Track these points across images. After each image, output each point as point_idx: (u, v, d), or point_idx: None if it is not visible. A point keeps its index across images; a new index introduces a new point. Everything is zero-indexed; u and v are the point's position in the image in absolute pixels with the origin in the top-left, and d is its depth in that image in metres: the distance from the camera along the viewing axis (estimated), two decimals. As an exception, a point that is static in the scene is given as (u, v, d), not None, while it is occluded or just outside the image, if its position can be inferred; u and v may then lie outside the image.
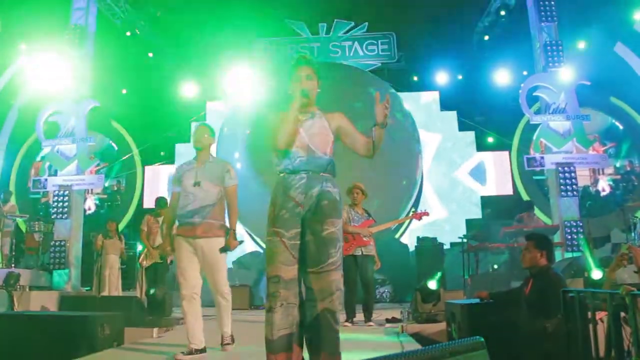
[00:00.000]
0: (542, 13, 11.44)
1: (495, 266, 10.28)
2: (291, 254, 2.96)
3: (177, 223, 4.28)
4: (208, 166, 4.29)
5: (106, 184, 15.35)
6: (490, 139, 14.36)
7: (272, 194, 3.08)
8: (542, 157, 11.12)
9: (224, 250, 4.21)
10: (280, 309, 2.92)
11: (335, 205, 3.04)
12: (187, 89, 15.16)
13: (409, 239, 13.19)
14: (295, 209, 2.99)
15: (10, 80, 14.86)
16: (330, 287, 2.90)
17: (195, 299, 4.11)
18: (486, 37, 13.90)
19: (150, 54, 14.47)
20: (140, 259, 8.19)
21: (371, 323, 6.39)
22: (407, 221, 12.76)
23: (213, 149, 4.61)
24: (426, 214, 7.19)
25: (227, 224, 4.34)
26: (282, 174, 3.08)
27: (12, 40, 14.28)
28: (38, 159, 15.54)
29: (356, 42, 15.21)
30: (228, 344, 4.32)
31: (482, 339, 1.57)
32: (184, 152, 14.95)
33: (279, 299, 2.92)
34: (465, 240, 10.12)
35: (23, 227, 12.44)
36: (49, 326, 4.50)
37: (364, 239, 6.52)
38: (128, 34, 13.54)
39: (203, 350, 4.08)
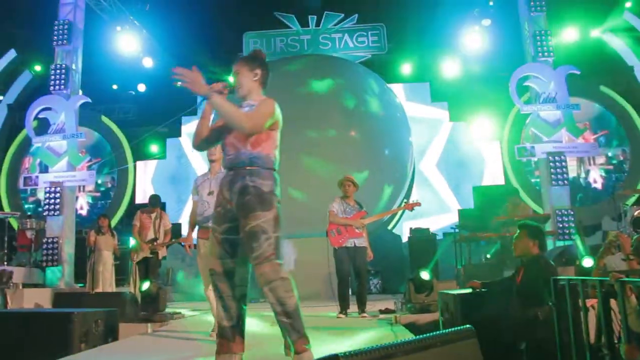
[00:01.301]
0: (531, 3, 11.42)
1: (488, 256, 10.32)
2: (223, 248, 3.07)
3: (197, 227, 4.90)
4: (220, 177, 4.51)
5: (99, 181, 15.29)
6: (480, 129, 14.37)
7: None
8: (533, 147, 11.13)
9: None
10: (220, 300, 3.07)
11: (261, 198, 2.99)
12: (177, 84, 15.11)
13: (401, 229, 13.24)
14: (227, 205, 3.08)
15: (-1, 77, 14.76)
16: (260, 280, 2.94)
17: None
18: (476, 28, 13.87)
19: (140, 48, 14.36)
20: (131, 254, 8.18)
21: (365, 314, 6.40)
22: (400, 212, 12.80)
23: None
24: (418, 204, 7.13)
25: None
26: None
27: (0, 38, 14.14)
28: (28, 156, 15.43)
29: (346, 34, 15.18)
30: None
31: (473, 328, 1.59)
32: (175, 147, 14.94)
33: (217, 289, 3.08)
34: (457, 230, 10.18)
35: (15, 225, 12.37)
36: (43, 323, 4.48)
37: (357, 230, 6.55)
38: (118, 29, 13.42)
39: None
